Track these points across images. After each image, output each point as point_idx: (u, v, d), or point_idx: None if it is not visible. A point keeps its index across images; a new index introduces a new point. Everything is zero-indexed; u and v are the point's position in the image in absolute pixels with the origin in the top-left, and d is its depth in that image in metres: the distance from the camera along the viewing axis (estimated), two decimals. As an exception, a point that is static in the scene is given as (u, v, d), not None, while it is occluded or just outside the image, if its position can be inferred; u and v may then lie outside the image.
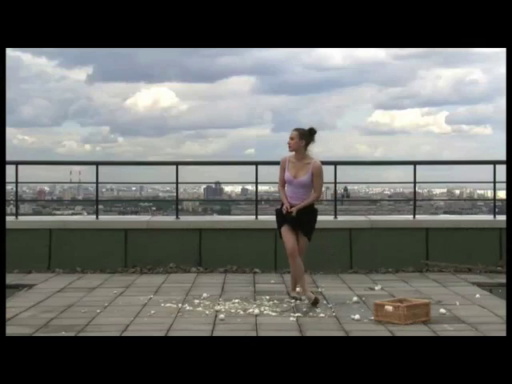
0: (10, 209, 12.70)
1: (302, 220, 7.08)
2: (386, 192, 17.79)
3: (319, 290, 7.90)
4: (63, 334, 5.73)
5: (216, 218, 12.22)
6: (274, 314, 6.55)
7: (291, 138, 7.00)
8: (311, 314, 6.55)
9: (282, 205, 7.11)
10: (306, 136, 7.01)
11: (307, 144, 7.05)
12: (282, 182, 7.14)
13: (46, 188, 18.28)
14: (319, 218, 10.56)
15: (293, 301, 7.08)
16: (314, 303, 6.92)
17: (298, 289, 7.32)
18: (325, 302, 7.11)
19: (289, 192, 7.11)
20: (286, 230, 7.09)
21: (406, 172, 10.48)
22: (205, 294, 7.45)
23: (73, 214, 16.32)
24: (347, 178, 12.14)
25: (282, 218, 7.10)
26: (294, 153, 7.09)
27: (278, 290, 7.81)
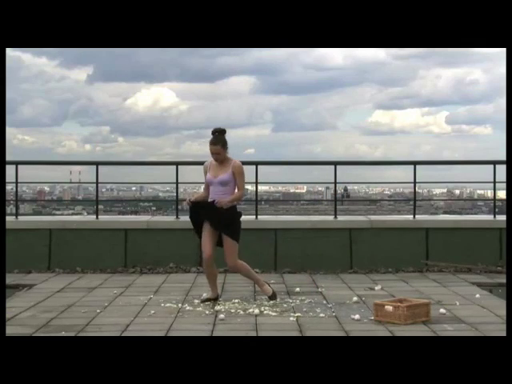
0: (10, 209, 12.71)
1: (226, 220, 6.97)
2: (386, 192, 17.81)
3: (319, 289, 7.90)
4: (63, 334, 5.72)
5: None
6: (274, 314, 6.55)
7: (217, 153, 6.94)
8: (311, 314, 6.55)
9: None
10: (225, 142, 7.02)
11: (227, 148, 7.06)
12: (206, 185, 7.12)
13: (46, 188, 18.31)
14: (324, 217, 10.61)
15: (208, 303, 7.01)
16: (272, 297, 7.07)
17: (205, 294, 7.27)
18: (325, 301, 7.11)
19: (211, 194, 7.03)
20: (205, 236, 7.03)
21: (406, 172, 10.50)
22: (205, 294, 7.44)
23: (73, 214, 16.33)
24: (347, 178, 12.16)
25: (199, 215, 7.04)
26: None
27: (278, 290, 7.79)
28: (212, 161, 7.11)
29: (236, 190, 7.05)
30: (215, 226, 7.01)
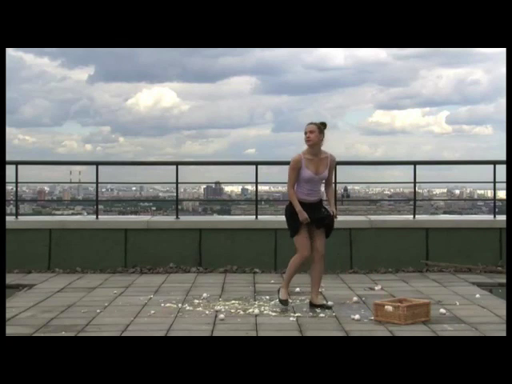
0: (9, 209, 12.71)
1: (329, 219, 6.85)
2: (386, 192, 17.80)
3: (319, 289, 7.88)
4: (63, 334, 5.73)
5: (216, 218, 12.23)
6: (273, 314, 6.55)
7: (310, 132, 6.59)
8: (311, 314, 6.55)
9: (293, 210, 6.73)
10: (323, 130, 6.68)
11: (323, 138, 6.73)
12: (294, 184, 6.72)
13: (46, 188, 18.29)
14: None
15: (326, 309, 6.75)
16: (283, 302, 6.76)
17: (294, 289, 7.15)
18: (325, 301, 7.10)
19: (305, 190, 6.70)
20: (301, 236, 6.78)
21: (406, 172, 10.49)
22: (205, 294, 7.45)
23: (73, 214, 16.31)
24: (347, 178, 12.14)
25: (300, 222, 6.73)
26: (305, 150, 6.71)
27: (278, 290, 7.80)
28: (305, 154, 6.70)
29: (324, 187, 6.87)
30: (323, 226, 6.81)
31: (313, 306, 6.77)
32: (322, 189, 6.96)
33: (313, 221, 6.71)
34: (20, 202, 11.89)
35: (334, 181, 6.83)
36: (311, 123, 6.68)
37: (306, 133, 6.65)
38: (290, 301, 7.10)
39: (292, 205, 6.74)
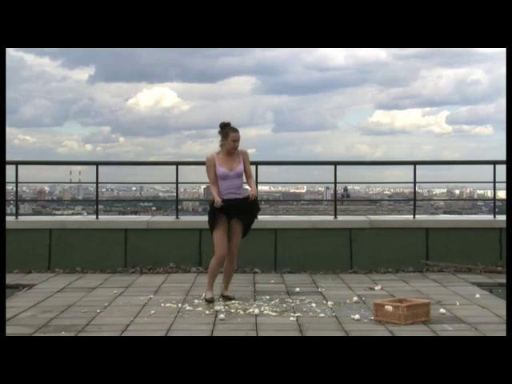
0: (10, 209, 12.73)
1: (250, 211, 7.07)
2: (386, 192, 17.81)
3: (319, 289, 7.90)
4: (63, 334, 5.73)
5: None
6: (273, 314, 6.55)
7: (237, 141, 7.00)
8: (311, 314, 6.55)
9: (213, 202, 6.97)
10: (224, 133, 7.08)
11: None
12: (214, 180, 6.99)
13: (46, 188, 18.31)
14: (324, 217, 10.60)
15: (228, 302, 7.02)
16: (207, 300, 7.02)
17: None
18: (325, 301, 7.11)
19: (224, 187, 6.99)
20: (219, 233, 6.99)
21: (406, 172, 10.49)
22: (204, 295, 7.45)
23: (73, 214, 16.33)
24: (347, 178, 12.15)
25: (218, 213, 6.94)
26: (219, 151, 7.06)
27: (278, 290, 7.81)
28: (216, 155, 7.07)
29: (244, 180, 7.12)
30: (243, 218, 7.05)
31: (222, 296, 7.20)
32: (246, 186, 7.22)
33: (230, 213, 6.97)
34: (20, 202, 11.91)
35: (251, 172, 7.24)
36: (237, 131, 7.04)
37: (234, 141, 6.99)
38: (290, 300, 7.07)
39: (210, 202, 7.11)
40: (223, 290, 7.28)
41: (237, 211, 6.99)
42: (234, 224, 7.06)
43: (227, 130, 7.02)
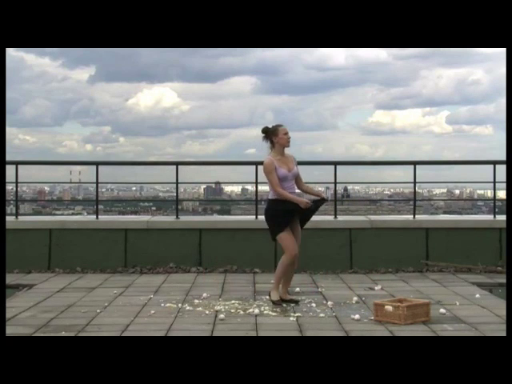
0: (10, 209, 12.72)
1: (310, 211, 6.99)
2: (386, 192, 17.81)
3: (319, 289, 7.90)
4: (63, 334, 5.73)
5: (216, 217, 12.23)
6: (273, 314, 6.55)
7: (288, 133, 6.98)
8: (311, 313, 6.55)
9: (274, 205, 6.87)
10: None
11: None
12: (279, 183, 6.84)
13: (46, 188, 18.29)
14: (324, 217, 10.59)
15: (292, 304, 6.93)
16: (275, 303, 6.92)
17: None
18: (325, 301, 7.11)
19: (284, 188, 6.89)
20: (288, 234, 6.83)
21: (406, 172, 10.50)
22: (205, 294, 7.45)
23: (73, 214, 16.33)
24: (347, 178, 12.15)
25: (290, 216, 6.84)
26: (272, 153, 6.99)
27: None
28: (273, 156, 6.95)
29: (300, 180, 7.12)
30: (304, 220, 7.02)
31: (284, 301, 6.97)
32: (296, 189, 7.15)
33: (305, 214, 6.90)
34: (20, 202, 11.90)
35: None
36: (286, 129, 7.00)
37: (286, 133, 6.97)
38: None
39: (272, 204, 6.93)
40: (283, 293, 7.03)
41: (309, 211, 6.90)
42: (295, 223, 6.95)
43: (274, 128, 6.96)
